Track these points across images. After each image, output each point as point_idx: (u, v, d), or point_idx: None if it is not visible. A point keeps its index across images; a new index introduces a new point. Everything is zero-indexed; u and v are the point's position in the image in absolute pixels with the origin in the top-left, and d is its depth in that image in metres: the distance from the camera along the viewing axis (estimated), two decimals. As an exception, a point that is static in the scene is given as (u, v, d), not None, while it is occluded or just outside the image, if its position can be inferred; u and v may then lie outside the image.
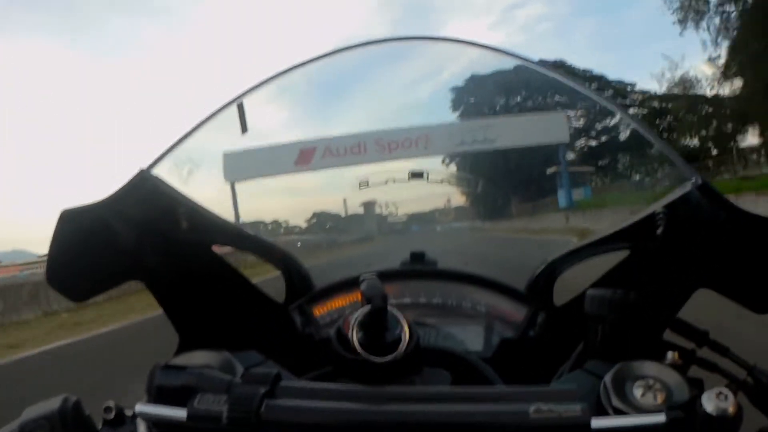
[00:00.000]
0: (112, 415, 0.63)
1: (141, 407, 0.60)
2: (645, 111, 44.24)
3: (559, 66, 45.13)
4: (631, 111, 43.58)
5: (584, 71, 46.39)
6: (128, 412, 0.64)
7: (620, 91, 45.55)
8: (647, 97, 45.69)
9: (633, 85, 46.88)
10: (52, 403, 0.64)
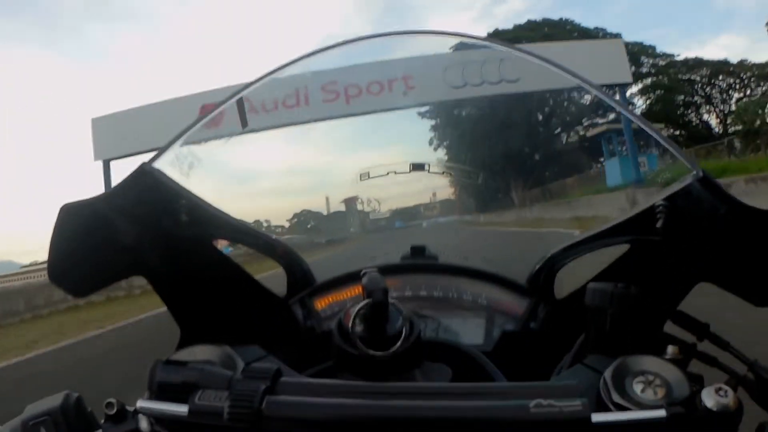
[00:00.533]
0: (113, 411, 0.64)
1: (142, 403, 0.60)
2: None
3: (567, 23, 40.99)
4: (649, 81, 38.72)
5: (596, 29, 40.48)
6: (130, 408, 0.64)
7: (636, 56, 38.22)
8: (670, 62, 39.96)
9: (653, 48, 40.77)
10: (54, 399, 0.65)
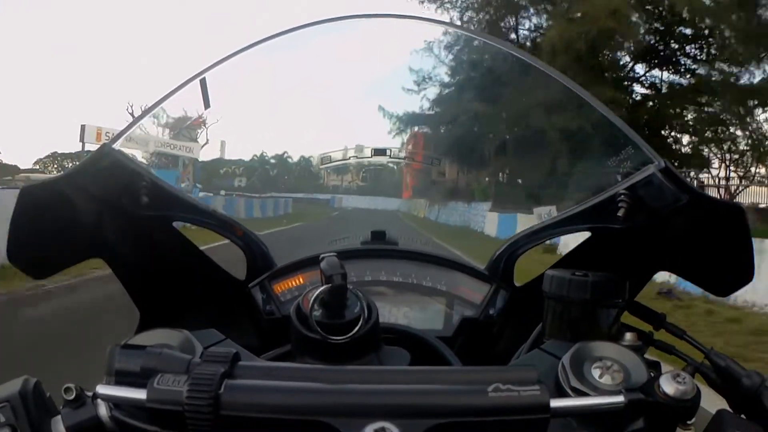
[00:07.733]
0: (72, 396, 0.63)
1: (101, 389, 0.59)
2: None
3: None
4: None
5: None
6: (89, 393, 0.63)
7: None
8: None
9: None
10: (13, 385, 0.64)
